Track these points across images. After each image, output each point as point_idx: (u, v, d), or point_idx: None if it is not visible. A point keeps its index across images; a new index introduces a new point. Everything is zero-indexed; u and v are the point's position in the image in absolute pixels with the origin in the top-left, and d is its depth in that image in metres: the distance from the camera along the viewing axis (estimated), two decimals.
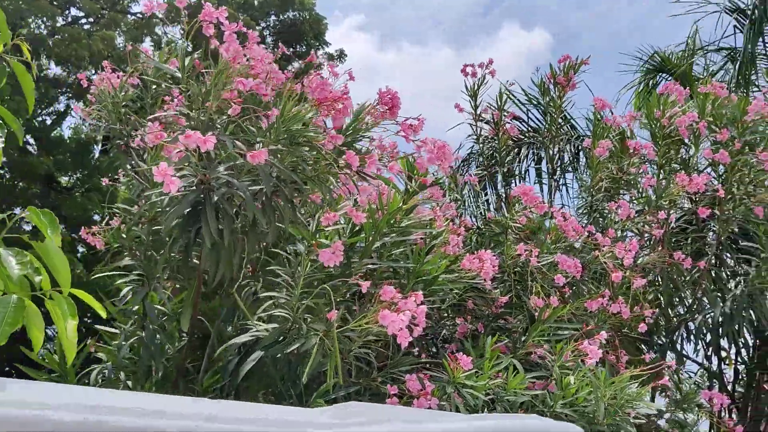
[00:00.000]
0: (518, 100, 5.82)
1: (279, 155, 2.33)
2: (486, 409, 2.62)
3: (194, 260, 2.47)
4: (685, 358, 5.37)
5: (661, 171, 4.96)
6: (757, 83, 7.56)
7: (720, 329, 4.61)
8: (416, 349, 3.96)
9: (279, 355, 2.48)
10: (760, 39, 7.49)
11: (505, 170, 5.36)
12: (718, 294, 4.84)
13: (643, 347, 5.25)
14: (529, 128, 5.67)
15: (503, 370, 2.80)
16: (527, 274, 4.23)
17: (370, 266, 3.36)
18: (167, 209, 2.21)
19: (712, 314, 4.65)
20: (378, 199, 3.24)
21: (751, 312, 4.78)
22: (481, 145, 5.40)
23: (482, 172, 5.47)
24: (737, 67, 7.29)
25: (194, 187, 2.13)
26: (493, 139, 5.43)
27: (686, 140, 5.21)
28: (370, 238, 3.13)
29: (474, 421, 1.12)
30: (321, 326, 2.40)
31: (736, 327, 4.52)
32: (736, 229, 5.14)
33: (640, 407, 2.74)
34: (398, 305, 2.55)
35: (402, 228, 3.30)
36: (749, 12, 7.01)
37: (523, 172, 5.87)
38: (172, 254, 2.43)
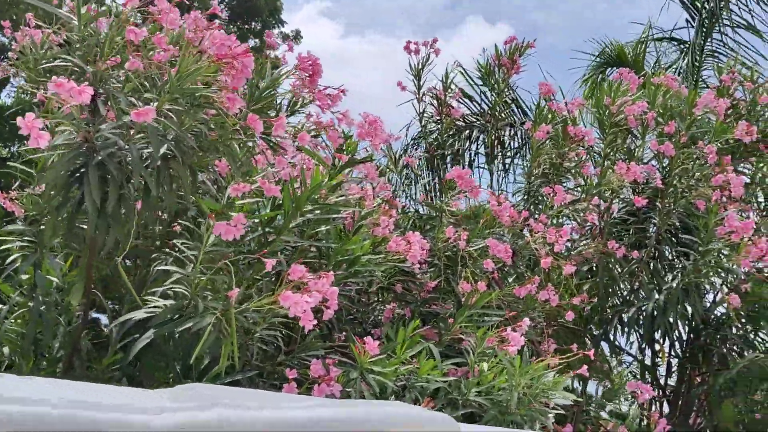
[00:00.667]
0: (475, 83, 5.68)
1: (180, 117, 2.14)
2: (395, 396, 2.50)
3: (83, 227, 2.28)
4: (619, 350, 5.35)
5: (606, 160, 4.90)
6: (705, 81, 7.59)
7: (653, 322, 4.57)
8: (342, 334, 3.82)
9: (175, 334, 2.31)
10: (714, 34, 7.53)
11: (451, 153, 5.24)
12: (655, 287, 4.82)
13: (587, 339, 5.22)
14: (480, 111, 5.55)
15: (419, 356, 2.68)
16: (458, 258, 4.13)
17: (292, 244, 3.20)
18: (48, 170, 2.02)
19: (645, 306, 4.61)
20: (300, 172, 3.08)
21: (687, 306, 4.77)
22: (423, 127, 5.27)
23: (425, 154, 5.34)
24: (687, 60, 7.31)
25: (76, 146, 1.94)
26: (438, 120, 5.31)
27: (634, 130, 5.17)
28: (290, 214, 2.97)
29: (321, 408, 0.98)
30: (219, 305, 2.24)
31: (670, 320, 4.49)
32: (677, 223, 5.12)
33: (556, 397, 2.65)
34: (308, 285, 2.41)
35: (327, 205, 3.15)
36: (700, 6, 7.02)
37: (472, 156, 5.76)
38: (60, 220, 2.23)
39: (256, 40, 13.12)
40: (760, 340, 5.20)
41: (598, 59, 7.64)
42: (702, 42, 7.44)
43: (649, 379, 5.60)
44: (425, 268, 4.14)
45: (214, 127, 2.19)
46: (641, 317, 4.66)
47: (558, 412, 2.75)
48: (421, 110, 5.21)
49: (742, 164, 5.65)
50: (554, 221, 4.72)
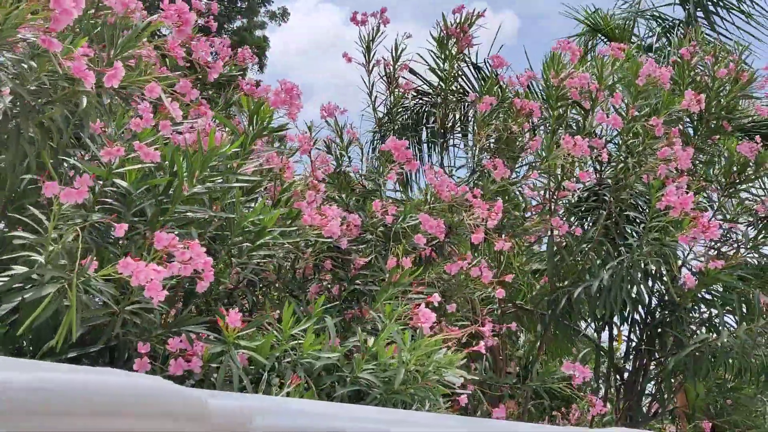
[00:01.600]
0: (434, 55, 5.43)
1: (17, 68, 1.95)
2: (274, 374, 2.32)
3: None
4: (573, 332, 5.15)
5: (555, 135, 4.67)
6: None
7: (597, 302, 4.37)
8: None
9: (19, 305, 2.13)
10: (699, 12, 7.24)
11: (399, 128, 5.02)
12: (603, 266, 4.60)
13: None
14: (432, 86, 5.31)
15: (307, 333, 2.48)
16: (391, 234, 3.94)
17: (191, 214, 3.01)
18: None
19: (590, 286, 4.40)
20: (197, 139, 2.88)
21: (635, 286, 4.56)
22: (372, 101, 5.05)
23: (375, 129, 5.13)
24: (671, 38, 7.03)
25: None
26: (389, 94, 5.10)
27: (584, 104, 4.93)
28: (184, 182, 2.77)
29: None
30: (65, 273, 2.05)
31: (613, 300, 4.28)
32: (631, 200, 4.90)
33: (448, 375, 2.46)
34: (177, 254, 2.22)
35: (227, 172, 2.95)
36: None
37: (425, 132, 5.54)
38: None
39: (243, 20, 12.89)
40: (727, 323, 4.99)
41: (585, 30, 7.38)
42: (688, 20, 7.17)
43: (605, 362, 5.41)
44: (355, 244, 3.97)
45: (58, 81, 1.99)
46: (585, 297, 4.46)
47: (456, 391, 2.57)
48: (371, 84, 5.00)
49: (709, 142, 5.43)
50: (505, 198, 4.53)
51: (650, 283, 4.93)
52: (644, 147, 4.68)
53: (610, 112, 4.63)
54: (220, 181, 2.99)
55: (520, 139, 4.43)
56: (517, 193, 4.48)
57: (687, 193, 4.47)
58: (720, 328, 4.53)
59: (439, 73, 4.90)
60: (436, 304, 2.99)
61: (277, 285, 3.70)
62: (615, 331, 5.46)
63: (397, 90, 4.93)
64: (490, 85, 4.62)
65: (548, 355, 5.79)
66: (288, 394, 2.17)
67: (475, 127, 4.40)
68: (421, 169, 4.78)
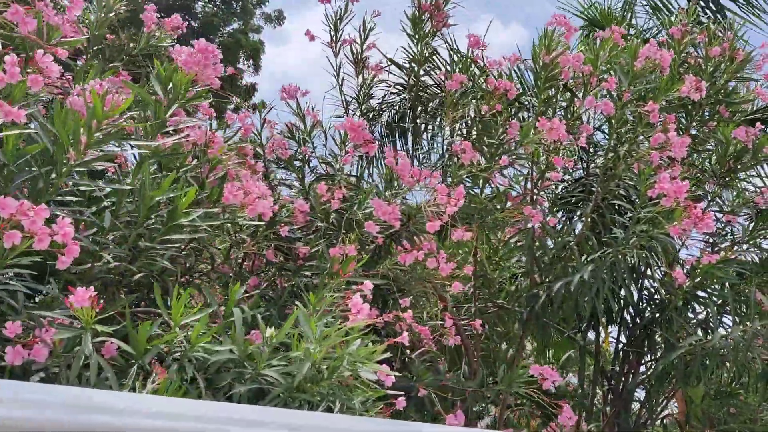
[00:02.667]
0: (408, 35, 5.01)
1: None
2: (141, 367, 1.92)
3: None
4: (553, 331, 4.70)
5: (537, 119, 4.25)
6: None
7: (577, 299, 3.92)
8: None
9: None
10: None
11: (367, 111, 4.61)
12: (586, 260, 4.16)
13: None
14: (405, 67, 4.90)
15: (197, 325, 2.08)
16: (343, 222, 3.54)
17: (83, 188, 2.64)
18: None
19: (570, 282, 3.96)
20: (83, 97, 2.51)
21: (620, 282, 4.12)
22: (339, 83, 4.66)
23: (343, 113, 4.73)
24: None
25: None
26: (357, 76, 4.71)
27: (577, 89, 4.50)
28: (70, 149, 2.39)
29: None
30: None
31: (594, 297, 3.83)
32: (621, 191, 4.47)
33: (364, 370, 2.05)
34: (26, 224, 1.84)
35: (122, 137, 2.57)
36: None
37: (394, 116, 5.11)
38: None
39: (240, 23, 12.60)
40: (725, 324, 4.51)
41: (584, 26, 6.95)
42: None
43: (591, 364, 4.94)
44: (303, 232, 3.58)
45: None
46: (564, 292, 4.01)
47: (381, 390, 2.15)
48: (338, 66, 4.61)
49: (705, 130, 4.97)
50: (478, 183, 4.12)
51: (639, 280, 4.49)
52: (637, 134, 4.25)
53: (601, 97, 4.21)
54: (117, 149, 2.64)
55: (495, 124, 4.01)
56: (498, 181, 4.04)
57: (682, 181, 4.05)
58: (713, 328, 4.06)
59: (412, 53, 4.50)
60: (366, 293, 2.57)
61: (211, 276, 3.31)
62: (605, 333, 4.99)
63: (366, 71, 4.54)
64: (464, 64, 4.21)
65: (537, 357, 5.36)
66: (156, 391, 1.78)
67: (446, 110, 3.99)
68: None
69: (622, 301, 4.64)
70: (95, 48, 3.71)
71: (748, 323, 3.84)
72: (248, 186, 2.80)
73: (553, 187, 4.80)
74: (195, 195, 2.68)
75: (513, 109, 4.39)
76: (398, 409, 2.55)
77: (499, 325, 4.84)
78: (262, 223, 2.98)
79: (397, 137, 4.93)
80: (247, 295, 3.41)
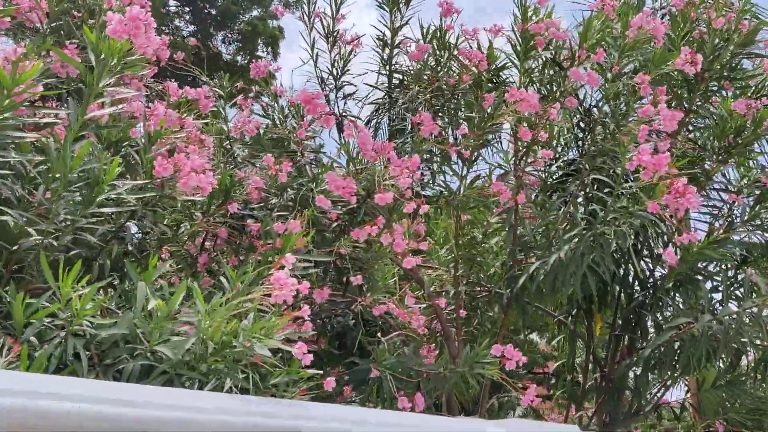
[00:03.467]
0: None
1: None
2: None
3: None
4: (537, 314, 4.47)
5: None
6: None
7: (555, 280, 3.69)
8: None
9: None
10: None
11: (340, 86, 4.43)
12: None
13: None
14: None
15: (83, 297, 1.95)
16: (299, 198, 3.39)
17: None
18: None
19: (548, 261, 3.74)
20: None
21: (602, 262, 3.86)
22: (314, 59, 4.49)
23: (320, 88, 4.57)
24: None
25: None
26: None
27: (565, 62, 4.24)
28: None
29: None
30: None
31: (571, 277, 3.60)
32: (604, 165, 4.20)
33: (259, 347, 1.89)
34: None
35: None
36: None
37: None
38: None
39: (260, 9, 12.51)
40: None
41: None
42: None
43: (582, 351, 4.71)
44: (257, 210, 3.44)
45: None
46: (543, 272, 3.78)
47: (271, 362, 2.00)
48: (312, 40, 4.44)
49: (708, 107, 4.66)
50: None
51: (627, 260, 4.23)
52: (628, 108, 3.99)
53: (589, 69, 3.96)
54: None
55: (476, 100, 3.79)
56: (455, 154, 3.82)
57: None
58: (703, 311, 3.79)
59: (385, 24, 4.31)
60: (289, 267, 2.41)
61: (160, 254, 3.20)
62: (597, 317, 4.73)
63: (340, 45, 4.36)
64: (433, 34, 3.99)
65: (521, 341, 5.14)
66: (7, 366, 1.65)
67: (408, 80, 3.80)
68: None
69: (610, 284, 4.38)
70: (54, 24, 3.62)
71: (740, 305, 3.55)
72: (179, 159, 2.67)
73: (546, 166, 4.56)
74: (119, 166, 2.57)
75: (494, 84, 4.16)
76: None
77: (490, 309, 4.64)
78: (199, 198, 2.85)
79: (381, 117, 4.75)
80: (195, 272, 3.32)
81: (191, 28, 14.28)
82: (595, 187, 3.96)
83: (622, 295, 4.49)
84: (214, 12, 13.02)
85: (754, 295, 3.57)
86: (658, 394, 4.72)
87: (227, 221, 3.30)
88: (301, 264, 2.98)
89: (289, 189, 3.35)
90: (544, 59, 4.17)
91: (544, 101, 3.75)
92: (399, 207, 3.28)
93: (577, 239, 3.58)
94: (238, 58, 13.60)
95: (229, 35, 13.92)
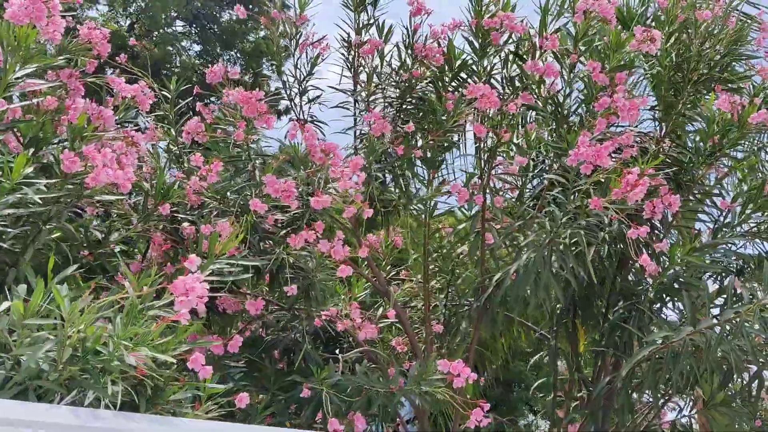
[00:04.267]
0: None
1: None
2: None
3: None
4: (509, 327, 4.19)
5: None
6: None
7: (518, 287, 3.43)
8: None
9: None
10: None
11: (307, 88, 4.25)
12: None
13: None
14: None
15: None
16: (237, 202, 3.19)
17: None
18: None
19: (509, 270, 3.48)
20: None
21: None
22: (278, 63, 4.32)
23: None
24: None
25: None
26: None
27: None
28: None
29: None
30: None
31: (531, 287, 3.34)
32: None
33: (126, 356, 1.67)
34: None
35: None
36: None
37: None
38: None
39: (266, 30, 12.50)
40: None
41: None
42: None
43: (563, 365, 4.41)
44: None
45: None
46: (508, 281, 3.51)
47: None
48: (276, 44, 4.27)
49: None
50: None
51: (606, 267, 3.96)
52: (587, 100, 3.76)
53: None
54: None
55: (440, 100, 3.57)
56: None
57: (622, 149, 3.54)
58: (688, 323, 3.49)
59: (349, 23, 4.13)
60: (194, 270, 2.20)
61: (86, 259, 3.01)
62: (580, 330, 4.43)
63: (307, 48, 4.19)
64: (387, 32, 3.80)
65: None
66: None
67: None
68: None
69: (593, 296, 4.10)
70: None
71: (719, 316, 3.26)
72: (88, 152, 2.48)
73: (523, 172, 4.32)
74: (26, 163, 2.40)
75: (460, 81, 3.94)
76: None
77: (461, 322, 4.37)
78: (117, 197, 2.66)
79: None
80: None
81: (197, 48, 14.31)
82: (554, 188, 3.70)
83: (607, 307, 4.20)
84: (218, 31, 13.04)
85: (740, 304, 3.27)
86: (651, 415, 4.41)
87: (165, 226, 3.11)
88: (233, 269, 2.79)
89: (228, 193, 3.15)
90: (506, 54, 3.96)
91: (507, 98, 3.53)
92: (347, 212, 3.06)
93: (535, 243, 3.32)
94: (246, 77, 13.54)
95: (234, 55, 13.92)
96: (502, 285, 3.54)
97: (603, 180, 3.26)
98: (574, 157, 3.03)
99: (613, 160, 3.20)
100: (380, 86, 3.67)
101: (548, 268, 3.26)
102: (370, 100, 3.71)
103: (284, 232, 3.28)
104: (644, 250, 3.70)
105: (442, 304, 4.40)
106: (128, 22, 13.41)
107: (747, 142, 4.11)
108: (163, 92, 3.64)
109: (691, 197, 4.19)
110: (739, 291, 3.40)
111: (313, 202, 2.80)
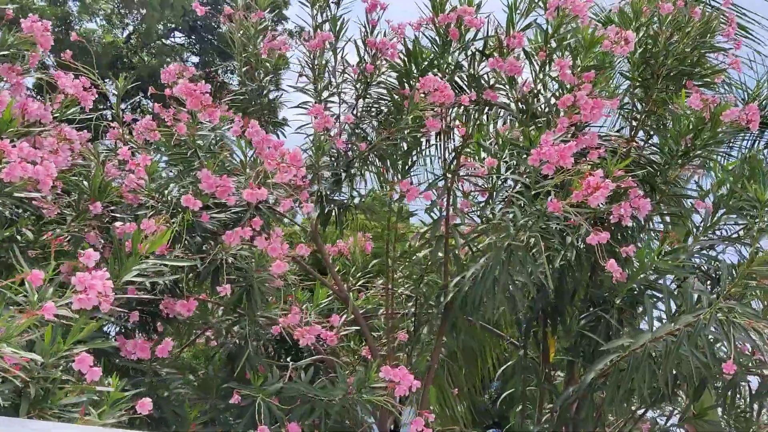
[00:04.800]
0: None
1: None
2: None
3: None
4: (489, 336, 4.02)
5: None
6: None
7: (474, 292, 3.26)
8: None
9: None
10: None
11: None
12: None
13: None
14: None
15: None
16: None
17: None
18: None
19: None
20: None
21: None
22: (238, 64, 4.22)
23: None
24: None
25: None
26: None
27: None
28: None
29: None
30: None
31: (488, 292, 3.17)
32: None
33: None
34: None
35: None
36: None
37: None
38: None
39: None
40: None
41: None
42: None
43: (533, 376, 4.21)
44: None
45: None
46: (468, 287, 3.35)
47: None
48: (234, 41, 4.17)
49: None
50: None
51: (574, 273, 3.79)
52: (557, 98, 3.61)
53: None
54: None
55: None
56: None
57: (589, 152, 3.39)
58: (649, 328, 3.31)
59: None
60: (90, 265, 2.06)
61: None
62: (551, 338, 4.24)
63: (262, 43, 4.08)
64: (340, 26, 3.66)
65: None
66: None
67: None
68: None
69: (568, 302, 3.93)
70: None
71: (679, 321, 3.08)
72: (2, 146, 2.36)
73: (494, 174, 4.16)
74: None
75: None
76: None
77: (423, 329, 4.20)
78: (35, 194, 2.53)
79: None
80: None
81: (196, 59, 14.30)
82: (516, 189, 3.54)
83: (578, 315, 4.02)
84: (216, 42, 13.04)
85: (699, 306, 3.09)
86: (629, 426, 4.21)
87: (98, 225, 2.98)
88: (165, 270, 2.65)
89: (165, 191, 3.02)
90: (472, 51, 3.83)
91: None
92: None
93: (493, 248, 3.16)
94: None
95: (233, 65, 13.88)
96: (462, 290, 3.38)
97: (565, 182, 3.11)
98: (536, 156, 2.89)
99: (586, 162, 3.05)
100: (333, 83, 3.54)
101: (505, 272, 3.10)
102: (324, 98, 3.58)
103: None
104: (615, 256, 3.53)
105: (410, 311, 4.24)
106: (125, 33, 13.43)
107: (722, 143, 3.92)
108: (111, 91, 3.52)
109: (664, 200, 4.03)
110: (696, 296, 3.22)
111: (246, 194, 2.67)
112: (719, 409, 4.02)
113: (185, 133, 3.06)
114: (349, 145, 3.66)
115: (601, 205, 2.84)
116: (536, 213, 3.00)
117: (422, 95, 3.29)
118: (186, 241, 2.89)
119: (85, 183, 3.00)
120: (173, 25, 13.49)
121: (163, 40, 13.55)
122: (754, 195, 3.05)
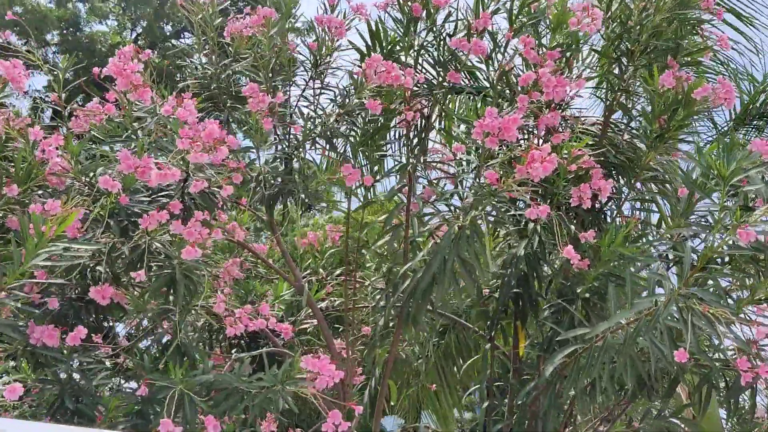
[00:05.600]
0: None
1: None
2: None
3: None
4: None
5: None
6: None
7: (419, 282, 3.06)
8: None
9: None
10: None
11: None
12: None
13: None
14: None
15: None
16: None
17: None
18: None
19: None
20: None
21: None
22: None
23: None
24: None
25: None
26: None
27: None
28: None
29: None
30: None
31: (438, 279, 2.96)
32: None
33: None
34: None
35: None
36: None
37: None
38: None
39: None
40: None
41: None
42: None
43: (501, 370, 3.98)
44: None
45: None
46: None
47: None
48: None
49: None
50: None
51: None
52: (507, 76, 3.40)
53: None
54: None
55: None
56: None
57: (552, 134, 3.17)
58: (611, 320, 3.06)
59: None
60: None
61: None
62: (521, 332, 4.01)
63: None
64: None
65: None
66: None
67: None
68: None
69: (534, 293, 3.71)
70: None
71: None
72: None
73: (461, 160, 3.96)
74: None
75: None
76: None
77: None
78: None
79: None
80: None
81: (204, 59, 14.24)
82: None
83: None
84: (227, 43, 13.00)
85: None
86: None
87: (22, 210, 2.84)
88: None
89: (91, 174, 2.87)
90: (440, 32, 3.63)
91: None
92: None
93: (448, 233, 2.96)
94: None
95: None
96: (414, 277, 3.19)
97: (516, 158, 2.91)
98: (479, 128, 2.68)
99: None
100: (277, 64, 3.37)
101: (454, 253, 2.89)
102: (270, 78, 3.41)
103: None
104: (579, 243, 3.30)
105: (377, 304, 4.04)
106: (133, 34, 13.46)
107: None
108: (54, 71, 3.39)
109: (637, 184, 3.79)
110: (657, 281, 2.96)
111: (153, 175, 2.50)
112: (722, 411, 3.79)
113: (117, 114, 2.91)
114: (302, 129, 3.48)
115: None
116: (478, 187, 2.79)
117: (373, 75, 3.10)
118: (109, 225, 2.74)
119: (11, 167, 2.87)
120: (181, 26, 13.47)
121: (172, 41, 13.54)
122: (717, 172, 2.80)
